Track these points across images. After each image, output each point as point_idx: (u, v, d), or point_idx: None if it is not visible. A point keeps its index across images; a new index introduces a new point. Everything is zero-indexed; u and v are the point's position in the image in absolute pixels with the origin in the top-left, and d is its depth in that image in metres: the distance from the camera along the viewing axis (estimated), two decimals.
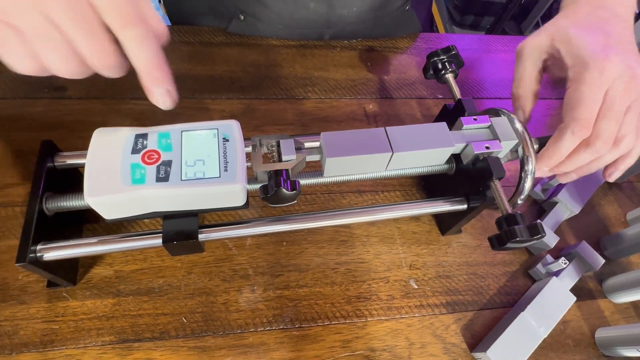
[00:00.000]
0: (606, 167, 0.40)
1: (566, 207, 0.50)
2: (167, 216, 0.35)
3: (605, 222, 0.53)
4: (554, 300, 0.43)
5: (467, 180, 0.41)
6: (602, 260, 0.46)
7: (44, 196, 0.34)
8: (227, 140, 0.33)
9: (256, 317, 0.40)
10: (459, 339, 0.43)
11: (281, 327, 0.40)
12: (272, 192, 0.32)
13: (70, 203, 0.34)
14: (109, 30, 0.26)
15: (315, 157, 0.37)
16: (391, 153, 0.36)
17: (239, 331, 0.40)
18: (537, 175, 0.39)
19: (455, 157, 0.40)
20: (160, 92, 0.29)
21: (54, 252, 0.33)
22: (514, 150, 0.40)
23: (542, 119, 0.60)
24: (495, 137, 0.39)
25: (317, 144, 0.37)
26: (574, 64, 0.38)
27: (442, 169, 0.41)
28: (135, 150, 0.32)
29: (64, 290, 0.39)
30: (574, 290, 0.45)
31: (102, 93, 0.50)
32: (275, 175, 0.33)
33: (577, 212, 0.50)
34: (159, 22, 0.29)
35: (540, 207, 0.52)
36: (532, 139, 0.39)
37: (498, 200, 0.37)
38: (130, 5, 0.26)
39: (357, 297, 0.43)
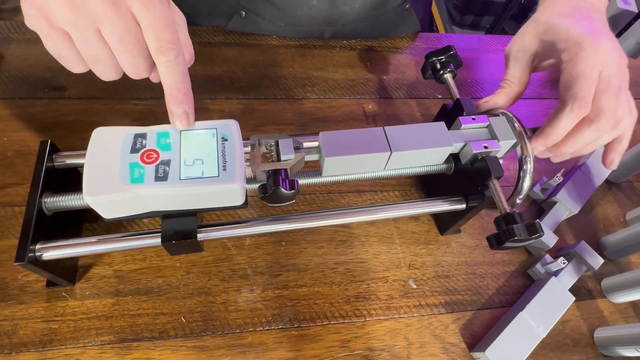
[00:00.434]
0: (606, 155, 0.40)
1: (565, 207, 0.50)
2: (166, 215, 0.35)
3: (605, 222, 0.53)
4: (552, 300, 0.43)
5: (465, 179, 0.41)
6: (601, 260, 0.46)
7: (43, 196, 0.34)
8: (226, 140, 0.33)
9: (255, 316, 0.41)
10: (458, 339, 0.43)
11: (280, 326, 0.41)
12: (271, 192, 0.32)
13: (69, 203, 0.34)
14: (147, 47, 0.30)
15: (314, 157, 0.37)
16: (390, 152, 0.36)
17: (237, 331, 0.40)
18: (534, 154, 0.38)
19: (454, 157, 0.40)
20: (179, 112, 0.32)
21: (53, 252, 0.33)
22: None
23: (542, 119, 0.60)
24: (494, 136, 0.39)
25: (315, 143, 0.37)
26: (566, 46, 0.38)
27: (441, 168, 0.41)
28: (134, 150, 0.32)
29: (63, 290, 0.39)
30: (573, 290, 0.45)
31: (101, 93, 0.50)
32: (274, 174, 0.33)
33: (576, 212, 0.50)
34: (190, 48, 0.33)
35: (540, 206, 0.52)
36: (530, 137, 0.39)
37: (496, 200, 0.37)
38: (168, 30, 0.30)
39: (356, 296, 0.43)
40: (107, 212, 0.32)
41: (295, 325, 0.41)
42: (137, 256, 0.41)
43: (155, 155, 0.32)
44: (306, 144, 0.37)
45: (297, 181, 0.33)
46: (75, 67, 0.31)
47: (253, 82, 0.55)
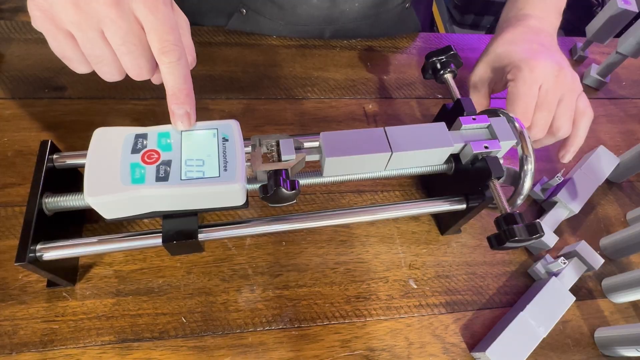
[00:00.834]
0: (558, 150, 0.47)
1: (566, 207, 0.50)
2: (167, 216, 0.35)
3: (605, 221, 0.53)
4: (553, 300, 0.43)
5: (466, 180, 0.41)
6: (602, 260, 0.46)
7: (43, 196, 0.34)
8: (227, 140, 0.33)
9: (255, 316, 0.41)
10: (458, 339, 0.43)
11: (280, 327, 0.41)
12: (272, 192, 0.32)
13: (70, 203, 0.34)
14: (150, 49, 0.31)
15: (314, 157, 0.37)
16: (390, 153, 0.36)
17: (238, 331, 0.40)
18: None
19: (454, 157, 0.40)
20: (181, 113, 0.32)
21: (53, 252, 0.33)
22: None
23: None
24: (494, 136, 0.39)
25: (316, 143, 0.37)
26: (509, 69, 0.45)
27: (441, 168, 0.41)
28: (135, 150, 0.32)
29: (64, 290, 0.39)
30: (573, 290, 0.45)
31: (101, 93, 0.50)
32: (275, 174, 0.33)
33: (576, 212, 0.50)
34: (192, 50, 0.34)
35: (540, 206, 0.52)
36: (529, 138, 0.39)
37: (497, 200, 0.37)
38: (171, 32, 0.30)
39: (356, 297, 0.43)
40: (108, 212, 0.32)
41: (296, 326, 0.41)
42: (138, 256, 0.41)
43: (156, 156, 0.32)
44: (307, 144, 0.37)
45: (298, 181, 0.33)
46: (79, 68, 0.32)
47: (253, 82, 0.55)
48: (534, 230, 0.33)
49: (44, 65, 0.50)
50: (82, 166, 0.35)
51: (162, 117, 0.49)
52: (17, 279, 0.39)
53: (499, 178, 0.37)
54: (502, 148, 0.39)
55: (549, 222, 0.49)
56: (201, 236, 0.35)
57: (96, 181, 0.30)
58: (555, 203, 0.50)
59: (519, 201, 0.40)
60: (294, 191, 0.32)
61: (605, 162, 0.53)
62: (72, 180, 0.39)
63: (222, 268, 0.42)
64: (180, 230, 0.34)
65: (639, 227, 0.46)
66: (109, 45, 0.30)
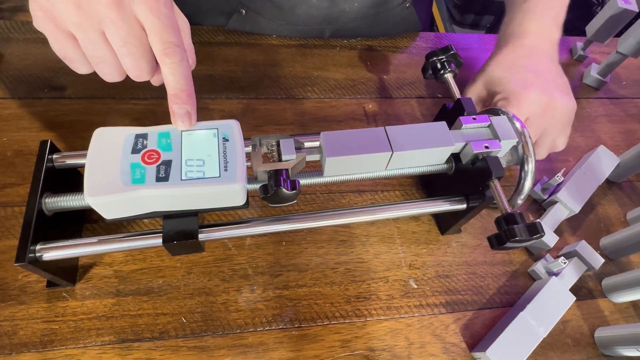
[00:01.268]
0: None
1: (566, 207, 0.50)
2: (167, 216, 0.34)
3: (605, 221, 0.53)
4: (553, 300, 0.43)
5: (466, 179, 0.41)
6: (602, 260, 0.46)
7: (43, 196, 0.34)
8: (227, 140, 0.33)
9: (255, 317, 0.40)
10: (459, 339, 0.43)
11: (280, 327, 0.40)
12: (272, 192, 0.32)
13: (70, 203, 0.34)
14: (151, 49, 0.31)
15: (315, 157, 0.37)
16: (391, 152, 0.36)
17: (238, 331, 0.40)
18: None
19: (455, 157, 0.40)
20: (182, 112, 0.32)
21: (53, 252, 0.33)
22: (514, 153, 0.41)
23: None
24: (495, 136, 0.39)
25: (316, 143, 0.37)
26: (500, 97, 0.47)
27: (442, 168, 0.41)
28: (135, 150, 0.32)
29: (64, 290, 0.39)
30: (573, 289, 0.45)
31: (101, 93, 0.50)
32: (275, 174, 0.33)
33: (576, 212, 0.50)
34: (192, 52, 0.34)
35: (540, 206, 0.52)
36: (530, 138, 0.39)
37: (497, 200, 0.37)
38: (173, 33, 0.30)
39: (356, 296, 0.43)
40: (108, 212, 0.32)
41: (296, 326, 0.41)
42: (138, 256, 0.41)
43: (156, 156, 0.32)
44: (307, 144, 0.37)
45: (299, 181, 0.33)
46: (81, 68, 0.32)
47: (253, 81, 0.55)
48: (535, 231, 0.33)
49: (43, 64, 0.50)
50: (82, 166, 0.35)
51: (162, 116, 0.49)
52: (17, 279, 0.39)
53: (499, 178, 0.37)
54: (503, 148, 0.38)
55: (549, 222, 0.49)
56: (201, 236, 0.35)
57: (96, 181, 0.30)
58: (555, 203, 0.50)
59: (520, 201, 0.40)
60: (294, 191, 0.32)
61: (605, 162, 0.53)
62: (72, 180, 0.39)
63: (222, 268, 0.42)
64: (181, 230, 0.34)
65: (639, 226, 0.46)
66: (110, 46, 0.30)
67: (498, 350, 0.40)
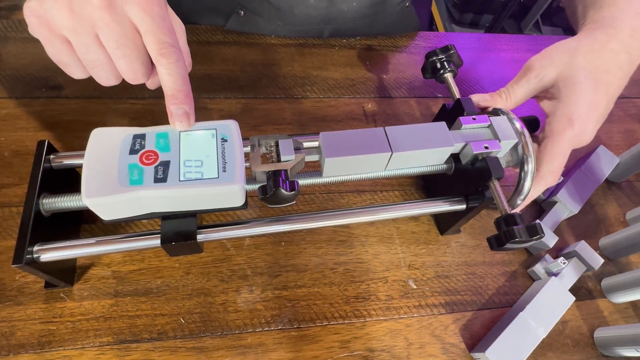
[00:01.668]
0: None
1: (565, 207, 0.50)
2: (166, 217, 0.34)
3: (605, 221, 0.53)
4: (553, 300, 0.43)
5: (466, 180, 0.40)
6: (601, 260, 0.46)
7: (40, 197, 0.33)
8: (226, 141, 0.33)
9: (254, 317, 0.40)
10: (458, 339, 0.43)
11: (279, 327, 0.40)
12: (271, 193, 0.32)
13: (68, 204, 0.34)
14: (146, 51, 0.31)
15: (314, 157, 0.37)
16: (390, 153, 0.36)
17: (237, 332, 0.40)
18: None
19: (454, 157, 0.40)
20: (179, 113, 0.32)
21: (50, 253, 0.33)
22: (514, 154, 0.40)
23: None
24: (495, 136, 0.38)
25: (315, 143, 0.37)
26: (562, 115, 0.40)
27: (441, 168, 0.41)
28: (133, 151, 0.32)
29: (62, 291, 0.39)
30: (573, 290, 0.45)
31: (99, 92, 0.49)
32: (274, 175, 0.32)
33: (576, 212, 0.50)
34: (188, 54, 0.34)
35: (540, 206, 0.52)
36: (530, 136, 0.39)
37: (497, 201, 0.37)
38: (168, 34, 0.30)
39: (355, 297, 0.43)
40: (106, 213, 0.32)
41: (295, 326, 0.41)
42: (136, 257, 0.41)
43: (154, 157, 0.32)
44: (306, 144, 0.37)
45: (297, 182, 0.33)
46: (76, 73, 0.32)
47: (252, 81, 0.55)
48: (534, 232, 0.33)
49: (41, 64, 0.50)
50: (80, 166, 0.35)
51: (160, 116, 0.49)
52: (14, 279, 0.38)
53: (499, 179, 0.37)
54: (503, 148, 0.38)
55: (548, 222, 0.49)
56: (200, 237, 0.35)
57: (94, 183, 0.30)
58: (554, 203, 0.50)
59: (519, 201, 0.40)
60: (293, 192, 0.32)
61: (604, 162, 0.53)
62: (70, 180, 0.39)
63: (221, 269, 0.42)
64: (179, 231, 0.34)
65: (639, 227, 0.46)
66: (104, 50, 0.30)
67: (497, 350, 0.39)
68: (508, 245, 0.34)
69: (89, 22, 0.28)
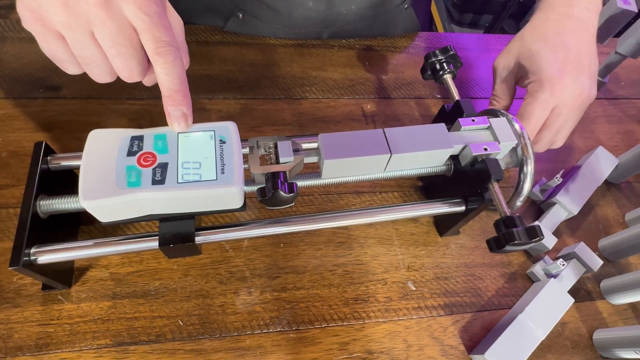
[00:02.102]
0: (535, 141, 0.46)
1: (564, 208, 0.50)
2: (164, 219, 0.34)
3: (604, 223, 0.53)
4: (552, 302, 0.43)
5: (465, 181, 0.40)
6: (601, 262, 0.46)
7: (37, 199, 0.33)
8: (224, 142, 0.33)
9: (253, 319, 0.40)
10: (457, 341, 0.43)
11: (278, 329, 0.40)
12: (270, 195, 0.32)
13: (65, 205, 0.34)
14: (142, 50, 0.30)
15: (313, 159, 0.36)
16: (389, 155, 0.36)
17: (235, 334, 0.39)
18: None
19: (454, 159, 0.40)
20: (177, 114, 0.32)
21: (48, 255, 0.33)
22: (514, 155, 0.40)
23: None
24: (494, 138, 0.38)
25: (314, 144, 0.37)
26: (532, 80, 0.44)
27: (440, 170, 0.41)
28: (130, 153, 0.32)
29: (59, 293, 0.39)
30: (572, 291, 0.45)
31: (97, 93, 0.49)
32: (273, 177, 0.32)
33: (575, 213, 0.50)
34: (186, 53, 0.33)
35: (539, 207, 0.52)
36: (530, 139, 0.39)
37: (496, 202, 0.37)
38: (165, 32, 0.29)
39: (354, 299, 0.43)
40: (104, 216, 0.32)
41: (294, 328, 0.41)
42: (134, 259, 0.41)
43: (152, 158, 0.31)
44: (305, 146, 0.37)
45: (296, 184, 0.33)
46: (70, 69, 0.31)
47: (251, 81, 0.54)
48: (534, 234, 0.33)
49: (38, 64, 0.49)
50: (78, 168, 0.35)
51: (158, 117, 0.49)
52: (12, 281, 0.38)
53: (498, 180, 0.37)
54: (502, 150, 0.38)
55: (547, 224, 0.49)
56: (198, 239, 0.35)
57: (91, 185, 0.30)
58: (554, 204, 0.50)
59: (519, 203, 0.40)
60: (292, 194, 0.32)
61: (604, 163, 0.53)
62: (68, 181, 0.39)
63: (219, 270, 0.42)
64: (177, 233, 0.34)
65: (638, 228, 0.46)
66: (99, 47, 0.29)
67: (497, 352, 0.39)
68: (507, 248, 0.34)
69: (84, 18, 0.28)
